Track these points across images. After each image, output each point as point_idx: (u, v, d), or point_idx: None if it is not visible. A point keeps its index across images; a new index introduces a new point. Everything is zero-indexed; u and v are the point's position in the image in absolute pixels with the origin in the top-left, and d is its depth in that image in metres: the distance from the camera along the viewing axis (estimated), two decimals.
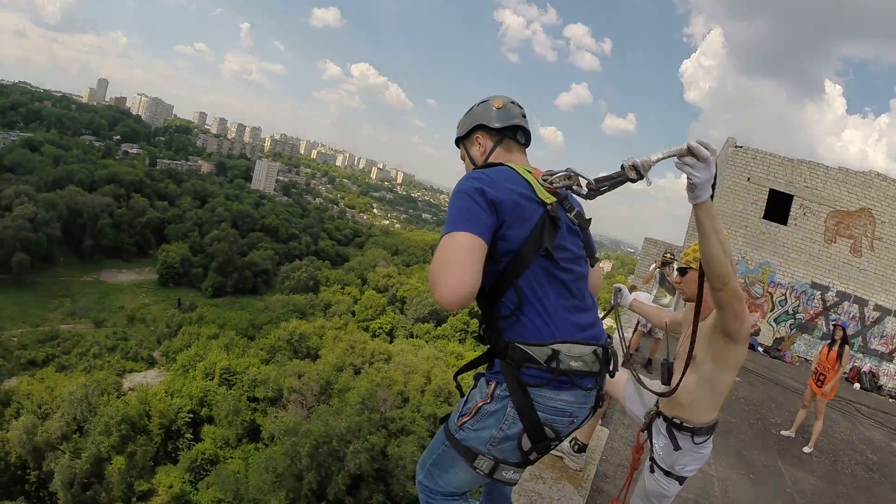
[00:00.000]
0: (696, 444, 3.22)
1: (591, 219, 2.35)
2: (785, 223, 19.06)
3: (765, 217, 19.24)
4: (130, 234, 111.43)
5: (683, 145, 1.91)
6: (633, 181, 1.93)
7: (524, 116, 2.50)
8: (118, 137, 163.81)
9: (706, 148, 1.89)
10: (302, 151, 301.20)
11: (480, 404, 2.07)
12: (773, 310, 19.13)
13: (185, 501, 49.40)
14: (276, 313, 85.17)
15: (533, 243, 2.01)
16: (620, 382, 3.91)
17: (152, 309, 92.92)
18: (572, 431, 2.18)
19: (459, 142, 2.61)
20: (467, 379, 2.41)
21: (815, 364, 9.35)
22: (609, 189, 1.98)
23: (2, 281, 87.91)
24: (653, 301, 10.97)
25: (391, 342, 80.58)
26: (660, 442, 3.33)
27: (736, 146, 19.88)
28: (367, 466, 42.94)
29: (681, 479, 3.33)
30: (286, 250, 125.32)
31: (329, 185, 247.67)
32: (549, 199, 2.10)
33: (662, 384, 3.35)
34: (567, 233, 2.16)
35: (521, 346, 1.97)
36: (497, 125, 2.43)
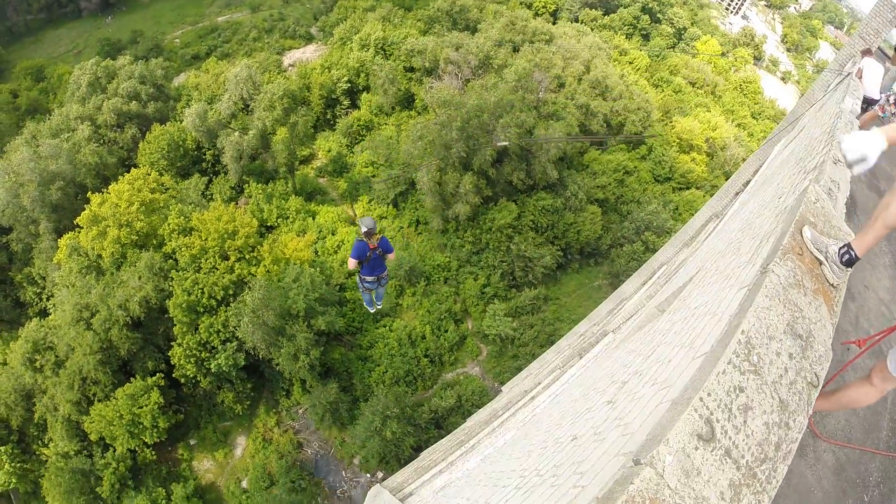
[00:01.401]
0: None
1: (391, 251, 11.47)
2: None
3: None
4: None
5: None
6: None
7: (370, 230, 10.60)
8: None
9: None
10: None
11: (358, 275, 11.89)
12: None
13: (342, 163, 52.75)
14: None
15: (363, 262, 11.11)
16: None
17: None
18: (375, 287, 12.39)
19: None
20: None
21: None
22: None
23: None
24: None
25: (554, 24, 75.49)
26: None
27: None
28: (514, 143, 42.67)
29: None
30: None
31: None
32: (370, 253, 10.94)
33: None
34: (371, 259, 11.07)
35: (359, 275, 11.78)
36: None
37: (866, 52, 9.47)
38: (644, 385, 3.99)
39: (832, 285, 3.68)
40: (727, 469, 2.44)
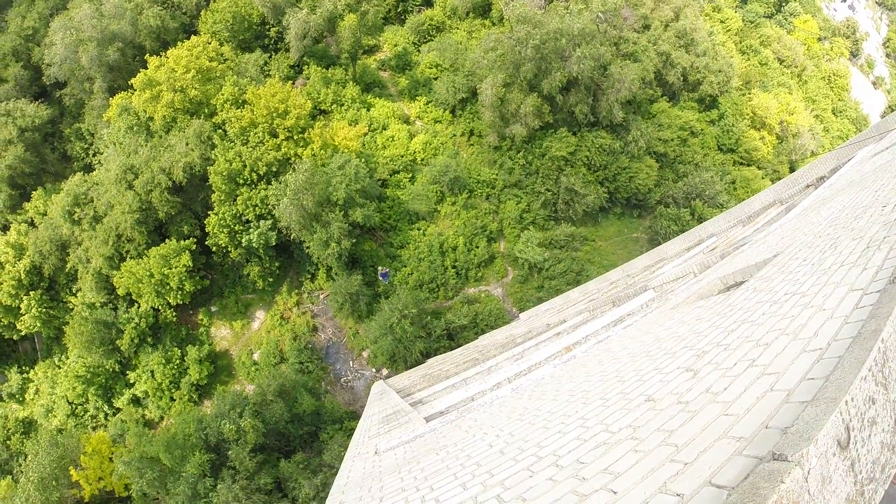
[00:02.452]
0: None
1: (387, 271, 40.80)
2: None
3: None
4: None
5: None
6: None
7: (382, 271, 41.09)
8: None
9: None
10: None
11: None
12: None
13: (406, 60, 51.81)
14: None
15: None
16: None
17: None
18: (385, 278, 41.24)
19: None
20: None
21: None
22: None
23: None
24: None
25: None
26: None
27: None
28: (587, 74, 41.39)
29: None
30: None
31: None
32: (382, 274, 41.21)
33: None
34: (382, 274, 40.45)
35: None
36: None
37: None
38: (737, 362, 3.80)
39: None
40: (848, 482, 2.27)
